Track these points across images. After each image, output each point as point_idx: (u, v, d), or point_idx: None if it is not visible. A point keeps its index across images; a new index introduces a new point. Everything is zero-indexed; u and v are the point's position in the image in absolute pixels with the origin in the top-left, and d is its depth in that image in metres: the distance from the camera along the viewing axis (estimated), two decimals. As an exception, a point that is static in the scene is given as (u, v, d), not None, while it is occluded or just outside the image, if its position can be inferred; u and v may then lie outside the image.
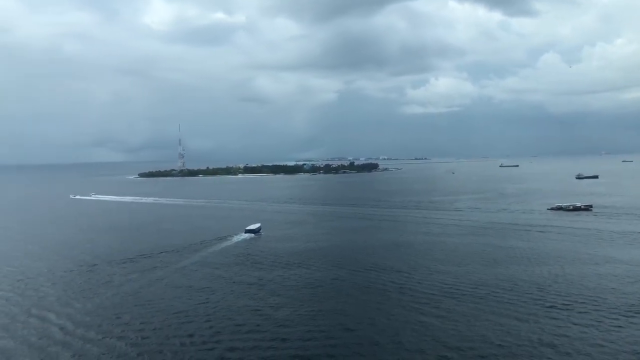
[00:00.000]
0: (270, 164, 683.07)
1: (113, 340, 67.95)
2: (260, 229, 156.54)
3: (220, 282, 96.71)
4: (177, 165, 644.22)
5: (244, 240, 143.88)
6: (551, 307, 76.23)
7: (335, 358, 60.76)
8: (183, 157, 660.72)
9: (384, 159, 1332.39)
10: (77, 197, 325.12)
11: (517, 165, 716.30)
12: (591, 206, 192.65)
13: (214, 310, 79.66)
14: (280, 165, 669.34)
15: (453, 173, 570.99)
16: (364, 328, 70.34)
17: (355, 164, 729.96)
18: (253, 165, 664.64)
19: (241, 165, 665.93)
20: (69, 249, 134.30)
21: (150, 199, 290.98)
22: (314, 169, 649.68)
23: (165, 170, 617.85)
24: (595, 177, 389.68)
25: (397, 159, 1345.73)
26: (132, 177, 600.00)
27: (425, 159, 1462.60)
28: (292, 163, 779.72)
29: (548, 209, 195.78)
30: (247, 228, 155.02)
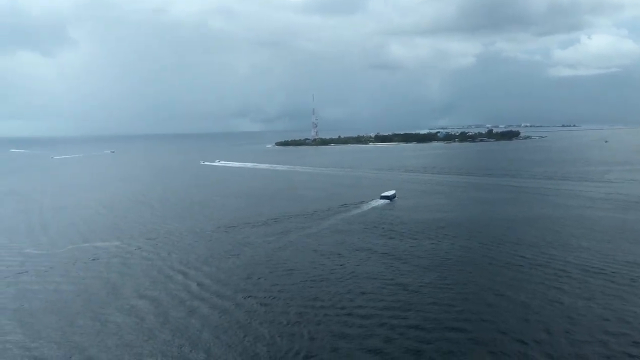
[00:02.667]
0: (401, 133, 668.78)
1: (244, 298, 70.09)
2: (395, 196, 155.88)
3: (349, 248, 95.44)
4: (311, 135, 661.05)
5: (378, 206, 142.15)
6: None
7: (458, 331, 55.22)
8: (316, 126, 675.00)
9: (526, 126, 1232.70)
10: (206, 163, 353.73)
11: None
12: None
13: (340, 275, 78.52)
14: (413, 134, 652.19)
15: (606, 142, 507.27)
16: (491, 303, 63.59)
17: (493, 131, 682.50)
18: (384, 134, 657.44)
19: (372, 134, 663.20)
20: (208, 212, 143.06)
21: (285, 167, 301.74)
22: (448, 137, 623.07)
23: (300, 140, 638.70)
24: None
25: (540, 127, 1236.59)
26: (269, 146, 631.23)
27: (574, 126, 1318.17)
28: (425, 131, 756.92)
29: None
30: (382, 194, 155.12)
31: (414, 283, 73.77)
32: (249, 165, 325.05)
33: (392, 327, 58.51)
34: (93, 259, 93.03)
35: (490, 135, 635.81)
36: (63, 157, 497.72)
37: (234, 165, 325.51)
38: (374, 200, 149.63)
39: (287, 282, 76.27)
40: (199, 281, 78.15)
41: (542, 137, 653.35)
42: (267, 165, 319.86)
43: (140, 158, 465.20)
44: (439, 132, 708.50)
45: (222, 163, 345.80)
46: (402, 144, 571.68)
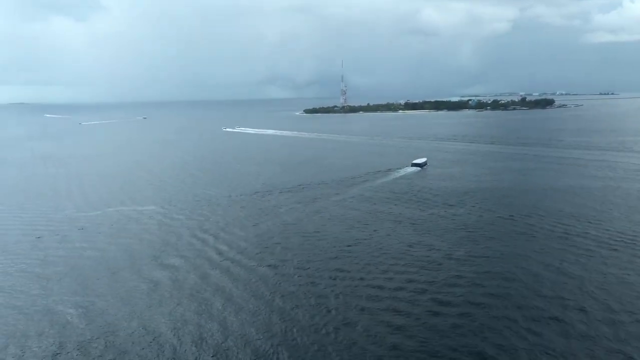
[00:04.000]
0: (432, 100, 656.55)
1: (263, 267, 71.60)
2: (426, 163, 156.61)
3: (377, 218, 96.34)
4: (339, 102, 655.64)
5: (408, 175, 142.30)
6: None
7: (479, 306, 55.88)
8: (345, 93, 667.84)
9: (561, 94, 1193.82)
10: (228, 129, 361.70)
11: None
12: None
13: (368, 245, 79.59)
14: (443, 102, 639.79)
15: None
16: (514, 276, 63.87)
17: (527, 100, 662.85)
18: (414, 102, 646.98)
19: (402, 102, 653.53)
20: (237, 179, 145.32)
21: (313, 134, 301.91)
22: (480, 106, 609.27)
23: (328, 107, 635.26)
24: None
25: (576, 95, 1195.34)
26: (298, 113, 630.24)
27: (612, 94, 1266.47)
28: (456, 99, 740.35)
29: None
30: (414, 162, 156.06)
31: (441, 256, 74.40)
32: (279, 132, 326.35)
33: (417, 302, 59.77)
34: (130, 222, 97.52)
35: (524, 103, 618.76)
36: (91, 123, 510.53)
37: (264, 133, 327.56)
38: (404, 168, 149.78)
39: (313, 251, 77.04)
40: (218, 248, 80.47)
41: (578, 106, 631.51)
42: (294, 132, 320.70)
43: (172, 124, 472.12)
44: (470, 100, 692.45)
45: (253, 130, 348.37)
46: (433, 112, 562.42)
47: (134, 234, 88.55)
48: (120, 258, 75.78)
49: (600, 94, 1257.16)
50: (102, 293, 62.48)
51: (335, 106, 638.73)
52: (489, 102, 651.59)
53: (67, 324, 54.36)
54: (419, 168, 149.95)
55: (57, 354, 48.31)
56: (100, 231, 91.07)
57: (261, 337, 50.44)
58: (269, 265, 71.03)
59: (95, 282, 66.34)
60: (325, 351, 47.43)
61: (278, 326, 52.66)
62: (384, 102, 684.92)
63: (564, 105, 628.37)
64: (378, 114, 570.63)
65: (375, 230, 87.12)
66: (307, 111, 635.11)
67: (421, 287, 61.71)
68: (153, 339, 50.53)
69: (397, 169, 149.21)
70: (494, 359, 45.11)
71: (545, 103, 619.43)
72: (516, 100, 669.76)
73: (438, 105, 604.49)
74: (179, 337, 50.73)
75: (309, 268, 69.72)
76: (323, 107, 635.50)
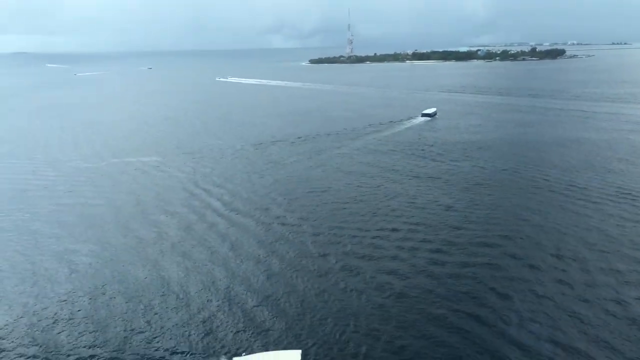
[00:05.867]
0: (440, 50, 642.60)
1: (268, 218, 72.58)
2: (435, 113, 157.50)
3: (381, 169, 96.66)
4: (346, 52, 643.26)
5: (415, 126, 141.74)
6: None
7: (479, 255, 56.96)
8: (352, 43, 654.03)
9: (573, 44, 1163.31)
10: (221, 79, 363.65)
11: None
12: None
13: (371, 197, 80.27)
14: (451, 52, 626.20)
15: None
16: (516, 226, 64.59)
17: (537, 50, 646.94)
18: (422, 52, 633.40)
19: (409, 52, 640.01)
20: (240, 130, 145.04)
21: (318, 85, 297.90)
22: (489, 56, 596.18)
23: (334, 57, 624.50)
24: None
25: (588, 44, 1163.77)
26: (304, 64, 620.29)
27: (625, 44, 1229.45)
28: (464, 49, 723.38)
29: None
30: (424, 112, 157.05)
31: (444, 208, 75.29)
32: (282, 83, 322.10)
33: (419, 252, 60.79)
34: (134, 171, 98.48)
35: (534, 53, 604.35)
36: (88, 74, 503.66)
37: (267, 83, 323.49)
38: (412, 120, 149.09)
39: (317, 203, 77.61)
40: (232, 197, 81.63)
41: (590, 56, 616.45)
42: (299, 83, 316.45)
43: (176, 75, 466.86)
44: (479, 50, 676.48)
45: (255, 81, 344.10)
46: (440, 62, 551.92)
47: (141, 184, 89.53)
48: (128, 208, 76.99)
49: (613, 43, 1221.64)
50: (112, 241, 63.90)
51: (342, 56, 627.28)
52: (498, 52, 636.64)
53: (78, 271, 55.95)
54: (428, 118, 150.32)
55: (67, 300, 49.97)
56: (107, 182, 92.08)
57: (265, 284, 51.81)
58: (274, 216, 71.92)
59: (104, 230, 67.70)
60: (326, 299, 48.75)
61: (281, 274, 53.93)
62: (391, 52, 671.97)
63: (574, 56, 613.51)
64: (385, 64, 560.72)
65: (380, 184, 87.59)
66: (312, 61, 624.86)
67: (424, 238, 62.59)
68: (162, 285, 52.06)
69: (406, 120, 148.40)
70: (492, 305, 46.32)
71: (555, 53, 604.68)
72: (526, 50, 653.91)
73: (446, 56, 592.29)
74: (186, 284, 52.20)
75: (313, 219, 70.47)
76: (329, 57, 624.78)
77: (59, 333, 44.23)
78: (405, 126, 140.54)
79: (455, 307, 46.33)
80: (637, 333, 41.64)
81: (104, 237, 65.52)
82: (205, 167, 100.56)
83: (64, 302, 49.26)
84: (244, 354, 39.82)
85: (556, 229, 63.95)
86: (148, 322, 45.43)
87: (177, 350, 41.09)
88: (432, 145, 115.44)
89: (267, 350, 40.50)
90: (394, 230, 65.06)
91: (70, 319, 46.29)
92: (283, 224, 68.65)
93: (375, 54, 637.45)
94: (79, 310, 47.62)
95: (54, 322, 45.80)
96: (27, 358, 41.13)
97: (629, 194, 76.58)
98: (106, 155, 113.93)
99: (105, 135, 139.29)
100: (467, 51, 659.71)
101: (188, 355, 40.53)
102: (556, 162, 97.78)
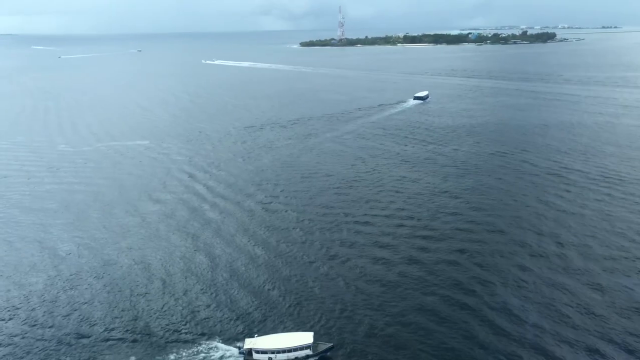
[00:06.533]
0: (431, 33, 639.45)
1: (253, 203, 72.35)
2: (427, 96, 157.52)
3: (371, 153, 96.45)
4: (337, 35, 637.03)
5: (406, 110, 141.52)
6: None
7: (474, 233, 57.32)
8: (343, 25, 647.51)
9: (563, 27, 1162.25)
10: (208, 62, 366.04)
11: None
12: None
13: (361, 182, 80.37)
14: (443, 35, 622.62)
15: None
16: (506, 208, 65.03)
17: (528, 33, 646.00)
18: (413, 35, 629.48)
19: (400, 35, 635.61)
20: (231, 113, 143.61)
21: (308, 68, 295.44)
22: (480, 39, 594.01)
23: (325, 40, 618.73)
24: None
25: (579, 28, 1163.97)
26: (294, 46, 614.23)
27: (615, 27, 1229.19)
28: (455, 32, 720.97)
29: None
30: (416, 95, 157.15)
31: (433, 191, 75.62)
32: (273, 66, 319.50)
33: (405, 235, 60.90)
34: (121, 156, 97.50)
35: (524, 37, 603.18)
36: (73, 56, 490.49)
37: (258, 66, 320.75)
38: (402, 103, 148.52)
39: (304, 188, 77.16)
40: (218, 183, 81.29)
41: (580, 40, 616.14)
42: (290, 66, 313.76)
43: (165, 58, 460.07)
44: (470, 33, 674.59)
45: (247, 64, 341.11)
46: (432, 45, 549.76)
47: (126, 170, 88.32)
48: (113, 193, 75.91)
49: (603, 27, 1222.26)
50: (96, 227, 63.04)
51: (333, 39, 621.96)
52: (489, 35, 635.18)
53: (62, 258, 55.20)
54: (420, 101, 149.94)
55: (51, 287, 49.31)
56: (92, 167, 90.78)
57: (247, 269, 51.60)
58: (259, 201, 71.51)
59: (89, 217, 66.68)
60: (306, 283, 48.76)
61: (263, 259, 53.83)
62: (382, 34, 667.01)
63: (565, 39, 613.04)
64: (376, 47, 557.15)
65: (369, 167, 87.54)
66: (303, 44, 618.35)
67: (412, 223, 62.80)
68: (145, 271, 51.60)
69: (397, 103, 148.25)
70: (478, 277, 46.87)
71: (546, 37, 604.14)
72: (517, 34, 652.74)
73: (437, 39, 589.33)
74: (169, 269, 51.82)
75: (299, 204, 70.15)
76: (320, 40, 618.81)
77: (43, 315, 43.86)
78: (397, 109, 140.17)
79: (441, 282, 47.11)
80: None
81: (88, 223, 64.65)
82: (191, 152, 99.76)
83: (48, 287, 48.72)
84: (256, 335, 39.81)
85: (539, 208, 64.21)
86: (161, 297, 45.20)
87: (186, 331, 40.97)
88: (425, 129, 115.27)
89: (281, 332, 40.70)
90: (386, 216, 65.18)
91: (53, 302, 45.90)
92: (267, 210, 68.40)
93: (366, 36, 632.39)
94: (60, 294, 47.04)
95: (39, 305, 45.27)
96: (10, 342, 40.58)
97: (616, 176, 77.42)
98: (91, 139, 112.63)
99: (90, 119, 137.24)
100: (459, 34, 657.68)
101: (199, 336, 40.45)
102: (544, 145, 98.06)
